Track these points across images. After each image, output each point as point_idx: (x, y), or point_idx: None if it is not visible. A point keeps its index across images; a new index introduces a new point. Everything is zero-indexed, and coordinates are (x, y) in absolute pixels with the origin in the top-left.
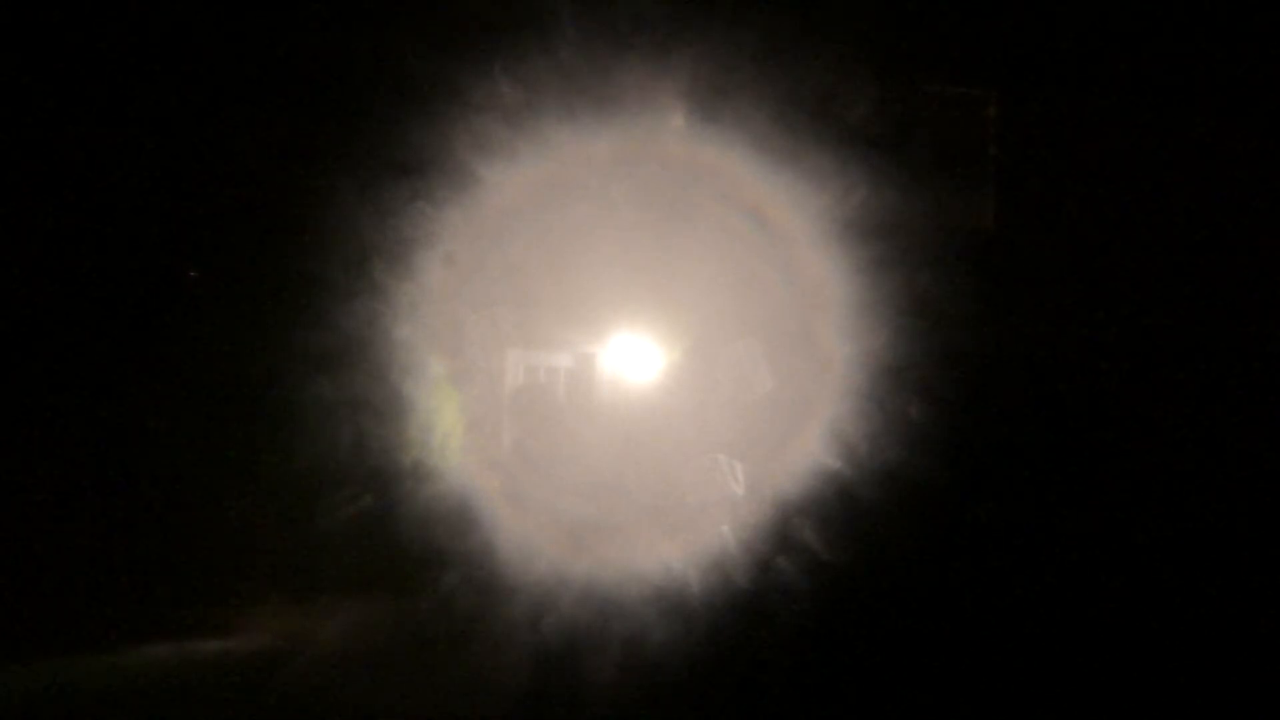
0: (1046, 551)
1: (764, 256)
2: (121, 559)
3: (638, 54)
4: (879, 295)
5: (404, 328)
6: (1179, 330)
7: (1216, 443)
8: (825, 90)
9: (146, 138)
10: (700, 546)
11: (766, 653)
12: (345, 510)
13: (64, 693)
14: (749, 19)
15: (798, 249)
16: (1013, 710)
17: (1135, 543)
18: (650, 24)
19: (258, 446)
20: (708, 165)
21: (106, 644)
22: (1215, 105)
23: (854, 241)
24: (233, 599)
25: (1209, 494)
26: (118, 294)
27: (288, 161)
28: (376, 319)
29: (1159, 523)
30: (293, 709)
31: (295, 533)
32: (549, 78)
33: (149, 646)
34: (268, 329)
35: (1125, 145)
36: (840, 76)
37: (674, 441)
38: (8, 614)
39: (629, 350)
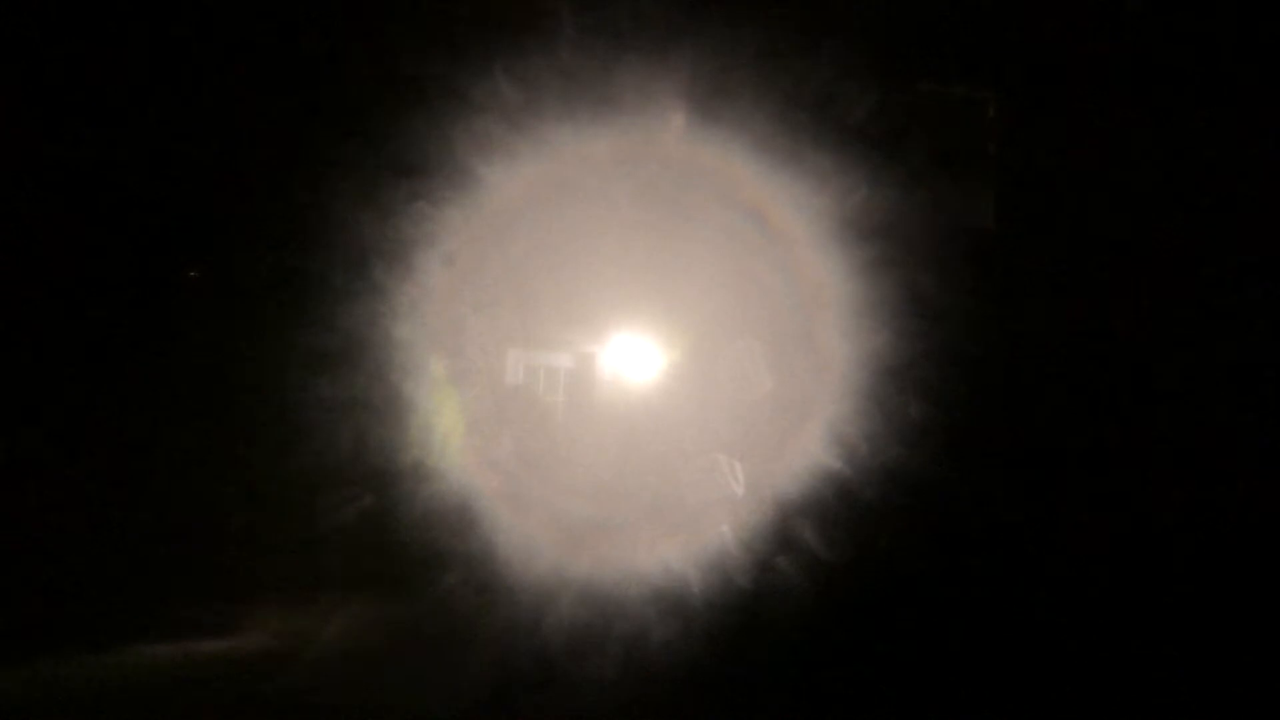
0: (1046, 550)
1: (764, 256)
2: (122, 559)
3: (638, 54)
4: (879, 295)
5: (404, 328)
6: (1179, 329)
7: (1216, 441)
8: (825, 90)
9: (147, 138)
10: (700, 546)
11: (766, 652)
12: (345, 510)
13: (64, 693)
14: (749, 19)
15: (798, 249)
16: (1012, 709)
17: (1135, 541)
18: (650, 24)
19: (258, 446)
20: (708, 165)
21: (106, 644)
22: (1215, 105)
23: (854, 241)
24: (233, 599)
25: (1209, 492)
26: (119, 294)
27: (288, 162)
28: (376, 319)
29: (1159, 521)
30: (293, 709)
31: (295, 533)
32: (549, 78)
33: (149, 646)
34: (268, 329)
35: (1124, 145)
36: (840, 76)
37: (674, 441)
38: (8, 614)
39: (629, 350)
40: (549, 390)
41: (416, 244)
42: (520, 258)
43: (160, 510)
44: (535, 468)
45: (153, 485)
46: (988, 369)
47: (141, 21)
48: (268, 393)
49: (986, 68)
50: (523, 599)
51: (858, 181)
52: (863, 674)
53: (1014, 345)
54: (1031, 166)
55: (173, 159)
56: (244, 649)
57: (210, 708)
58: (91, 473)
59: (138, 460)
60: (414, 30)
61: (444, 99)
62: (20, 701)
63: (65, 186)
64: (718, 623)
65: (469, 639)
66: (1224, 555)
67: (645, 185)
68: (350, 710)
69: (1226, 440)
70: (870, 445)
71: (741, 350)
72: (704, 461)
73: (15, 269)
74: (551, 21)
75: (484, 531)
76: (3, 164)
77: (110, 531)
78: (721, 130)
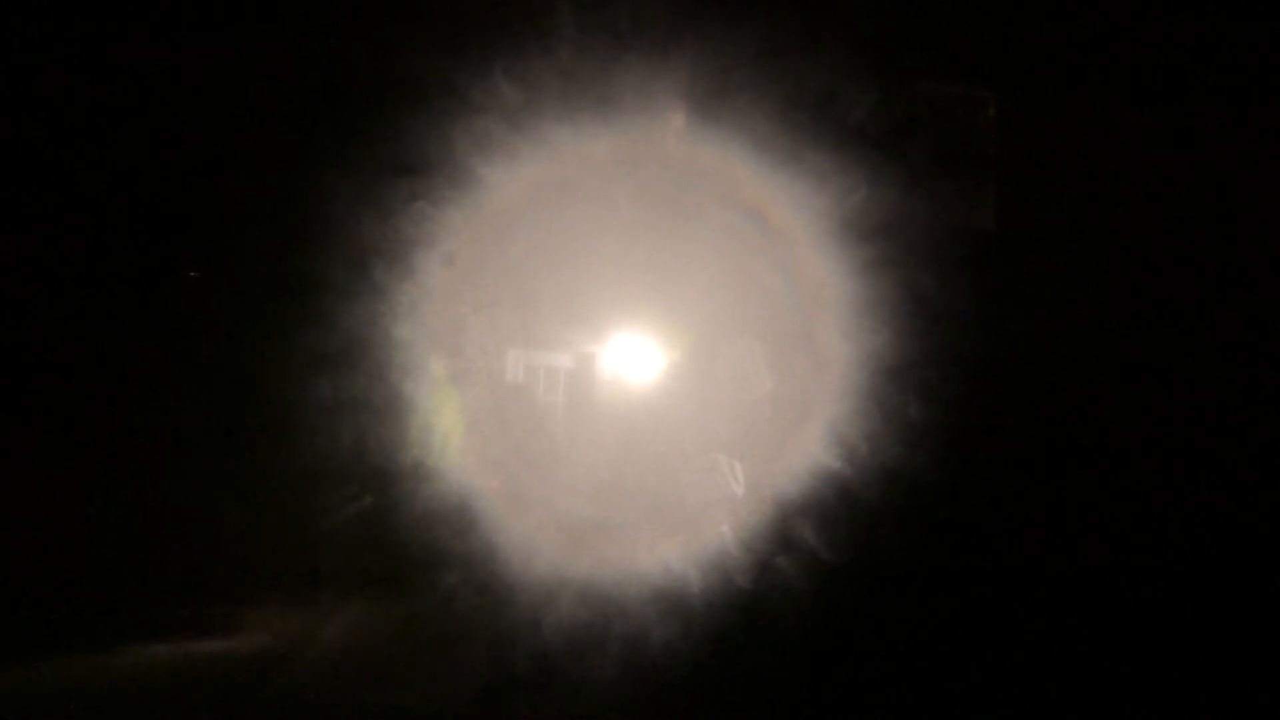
0: (1045, 550)
1: (764, 256)
2: (122, 559)
3: (638, 54)
4: (879, 295)
5: (404, 328)
6: (1178, 329)
7: (1215, 441)
8: (825, 90)
9: (147, 138)
10: (700, 546)
11: (766, 652)
12: (345, 510)
13: (64, 693)
14: (749, 19)
15: (798, 249)
16: (1011, 709)
17: (1134, 542)
18: (650, 24)
19: (258, 446)
20: (708, 165)
21: (106, 644)
22: (1214, 105)
23: (854, 241)
24: (233, 599)
25: (1208, 492)
26: (119, 294)
27: (289, 162)
28: (376, 319)
29: (1157, 521)
30: (293, 709)
31: (295, 533)
32: (549, 78)
33: (149, 646)
34: (268, 329)
35: (1124, 145)
36: (840, 76)
37: (674, 441)
38: (8, 614)
39: (629, 350)
40: (549, 390)
41: (416, 244)
42: (520, 258)
43: (160, 510)
44: (535, 468)
45: (153, 485)
46: (988, 369)
47: (141, 20)
48: (268, 393)
49: (986, 68)
50: (523, 599)
51: (858, 181)
52: (863, 674)
53: (1014, 345)
54: (1031, 166)
55: (172, 159)
56: (244, 649)
57: (210, 708)
58: (91, 472)
59: (137, 460)
60: (414, 30)
61: (444, 99)
62: (20, 701)
63: (65, 186)
64: (718, 623)
65: (469, 639)
66: (1225, 555)
67: (645, 185)
68: (350, 710)
69: (1227, 440)
70: (870, 445)
71: (741, 350)
72: (704, 461)
73: (15, 269)
74: (551, 21)
75: (484, 531)
76: (2, 163)
77: (110, 531)
78: (721, 130)
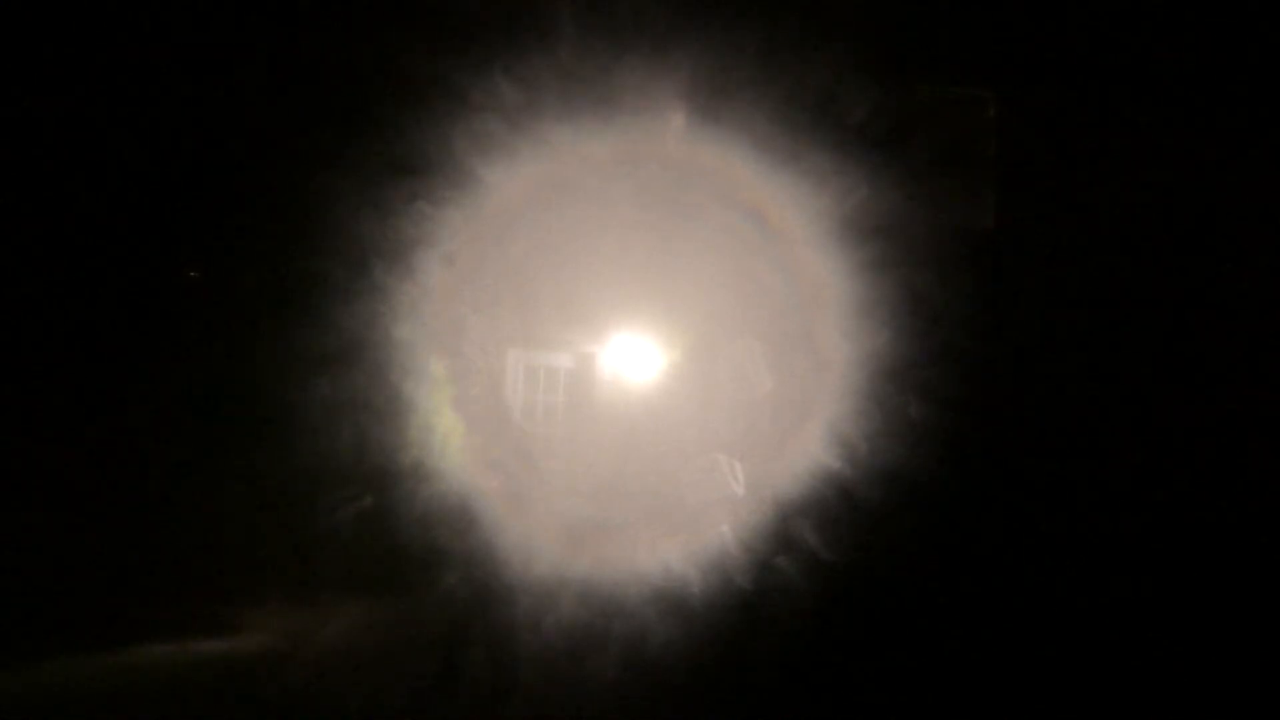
0: (1045, 551)
1: (764, 256)
2: (122, 559)
3: (638, 54)
4: (879, 295)
5: (404, 328)
6: (1178, 329)
7: (1216, 441)
8: (825, 90)
9: (148, 138)
10: (700, 546)
11: (766, 652)
12: (345, 510)
13: (64, 693)
14: (749, 19)
15: (798, 249)
16: (1012, 709)
17: (1134, 542)
18: (650, 24)
19: (259, 446)
20: (708, 165)
21: (106, 644)
22: (1214, 105)
23: (854, 241)
24: (233, 599)
25: (1208, 492)
26: (119, 294)
27: (289, 162)
28: (376, 319)
29: (1158, 522)
30: (293, 709)
31: (295, 533)
32: (549, 78)
33: (149, 646)
34: (268, 329)
35: (1124, 145)
36: (840, 76)
37: (674, 441)
38: (8, 614)
39: (629, 350)
40: (549, 390)
41: (416, 244)
42: (520, 258)
43: (160, 510)
44: (535, 468)
45: (152, 485)
46: (988, 369)
47: (141, 19)
48: (267, 393)
49: (986, 68)
50: (523, 599)
51: (858, 181)
52: (863, 674)
53: (1014, 345)
54: (1031, 167)
55: (171, 159)
56: (244, 649)
57: (210, 708)
58: (91, 472)
59: (137, 460)
60: (414, 30)
61: (444, 99)
62: (20, 701)
63: (63, 186)
64: (718, 623)
65: (469, 639)
66: (1227, 556)
67: (645, 185)
68: (350, 710)
69: (1229, 441)
70: (870, 445)
71: (741, 350)
72: (704, 461)
73: (13, 269)
74: (551, 21)
75: (484, 531)
76: (1, 162)
77: (110, 531)
78: (721, 130)
